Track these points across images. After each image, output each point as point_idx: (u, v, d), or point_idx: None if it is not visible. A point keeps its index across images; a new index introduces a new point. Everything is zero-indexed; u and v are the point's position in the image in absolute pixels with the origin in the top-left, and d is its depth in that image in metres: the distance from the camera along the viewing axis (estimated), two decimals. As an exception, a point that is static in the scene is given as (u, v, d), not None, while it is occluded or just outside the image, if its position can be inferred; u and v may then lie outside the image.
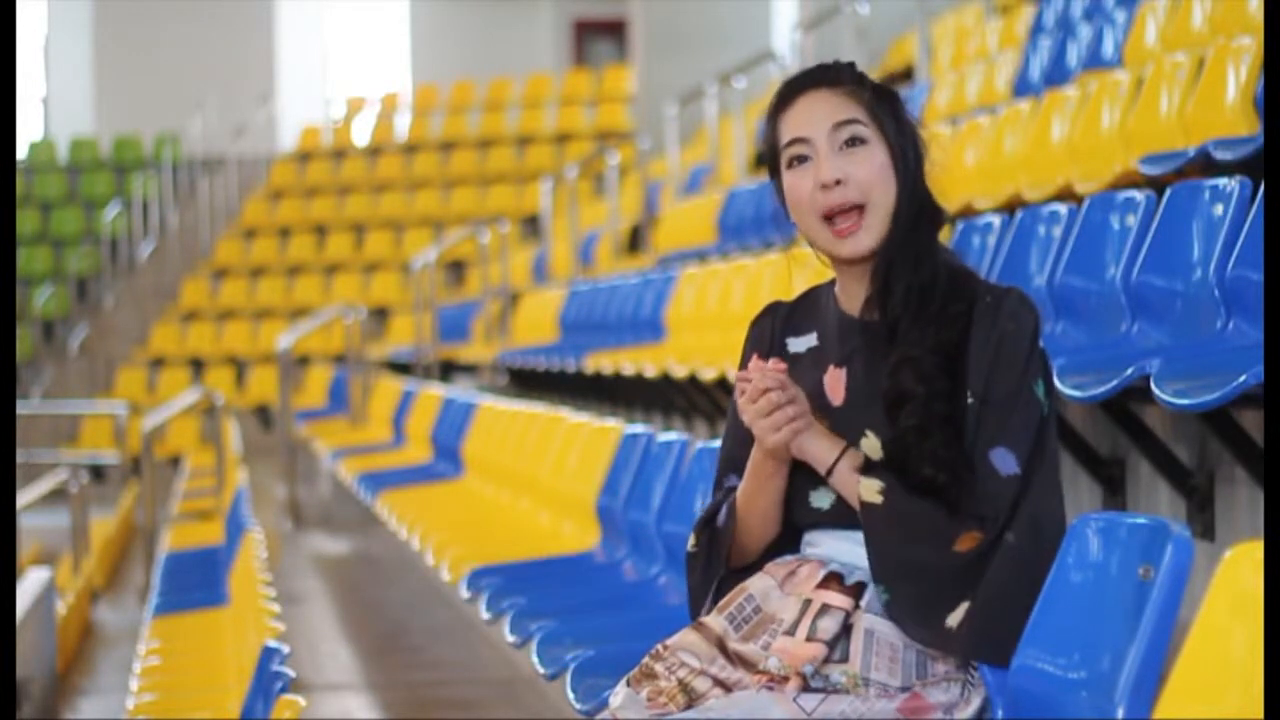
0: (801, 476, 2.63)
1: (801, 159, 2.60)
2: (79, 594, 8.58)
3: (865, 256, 2.60)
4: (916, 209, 2.59)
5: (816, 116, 2.60)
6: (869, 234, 2.58)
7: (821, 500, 2.61)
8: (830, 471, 2.57)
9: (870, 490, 2.52)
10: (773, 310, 2.76)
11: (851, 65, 2.67)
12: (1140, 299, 4.12)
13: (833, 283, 2.70)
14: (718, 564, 2.69)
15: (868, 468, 2.54)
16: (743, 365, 2.74)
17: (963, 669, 2.51)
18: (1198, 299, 3.88)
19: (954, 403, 2.51)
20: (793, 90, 2.65)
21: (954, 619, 2.48)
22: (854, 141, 2.58)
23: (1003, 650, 2.46)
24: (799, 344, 2.70)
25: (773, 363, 2.58)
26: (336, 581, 9.03)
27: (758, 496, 2.65)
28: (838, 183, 2.57)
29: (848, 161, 2.58)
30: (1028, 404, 2.52)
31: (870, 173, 2.57)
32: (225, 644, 5.31)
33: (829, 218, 2.58)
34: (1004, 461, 2.50)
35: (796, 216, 2.62)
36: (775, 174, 2.66)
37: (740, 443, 2.71)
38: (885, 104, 2.62)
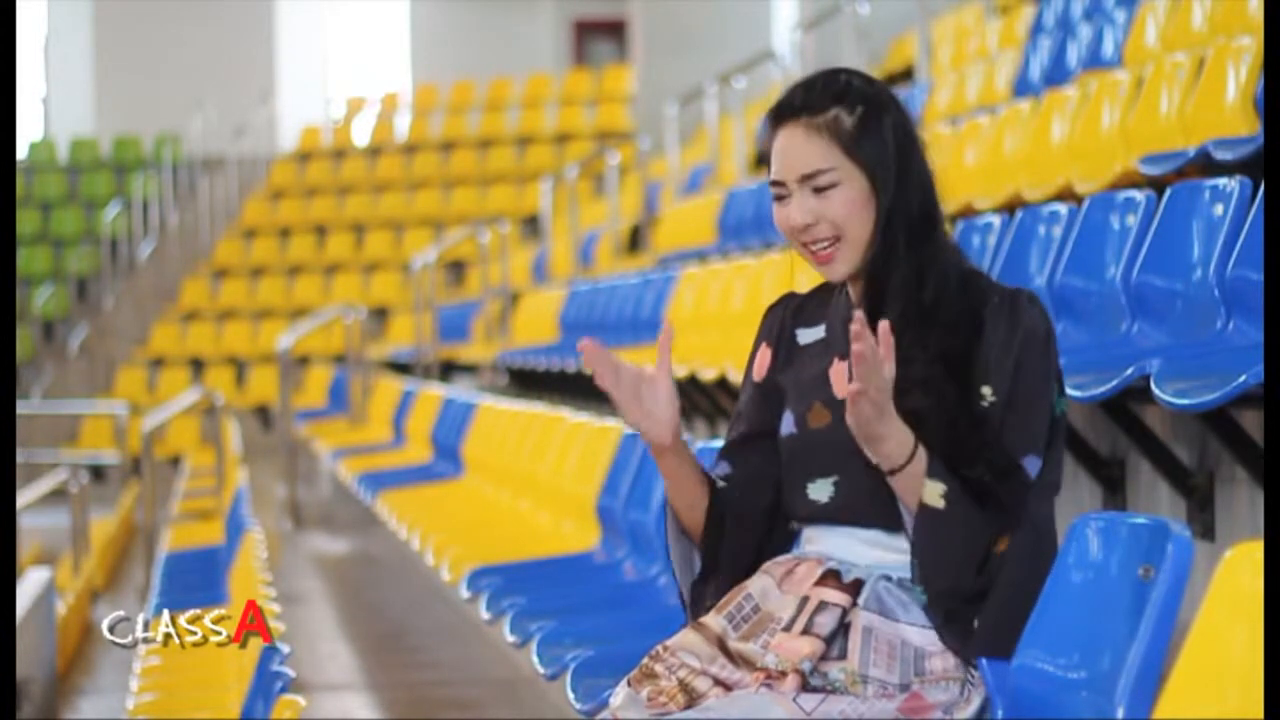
0: (798, 467, 2.63)
1: (780, 196, 2.61)
2: (79, 594, 8.58)
3: (848, 278, 2.62)
4: (907, 225, 2.57)
5: (789, 161, 2.58)
6: (844, 263, 2.59)
7: (819, 493, 2.61)
8: (897, 470, 2.50)
9: (934, 494, 2.49)
10: (786, 301, 2.78)
11: (837, 80, 2.61)
12: (1140, 299, 4.13)
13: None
14: (679, 538, 2.71)
15: (932, 469, 2.49)
16: (752, 355, 2.77)
17: (961, 668, 2.52)
18: (1198, 299, 3.89)
19: (968, 405, 2.51)
20: (776, 119, 2.63)
21: (978, 620, 2.50)
22: (824, 187, 2.57)
23: (1007, 647, 2.48)
24: (808, 335, 2.72)
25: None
26: (336, 581, 9.03)
27: (670, 487, 2.67)
28: (808, 226, 2.58)
29: (820, 203, 2.57)
30: (1048, 408, 2.54)
31: (842, 210, 2.56)
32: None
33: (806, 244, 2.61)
34: (1034, 466, 2.52)
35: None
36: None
37: (736, 427, 2.76)
38: (872, 123, 2.57)
